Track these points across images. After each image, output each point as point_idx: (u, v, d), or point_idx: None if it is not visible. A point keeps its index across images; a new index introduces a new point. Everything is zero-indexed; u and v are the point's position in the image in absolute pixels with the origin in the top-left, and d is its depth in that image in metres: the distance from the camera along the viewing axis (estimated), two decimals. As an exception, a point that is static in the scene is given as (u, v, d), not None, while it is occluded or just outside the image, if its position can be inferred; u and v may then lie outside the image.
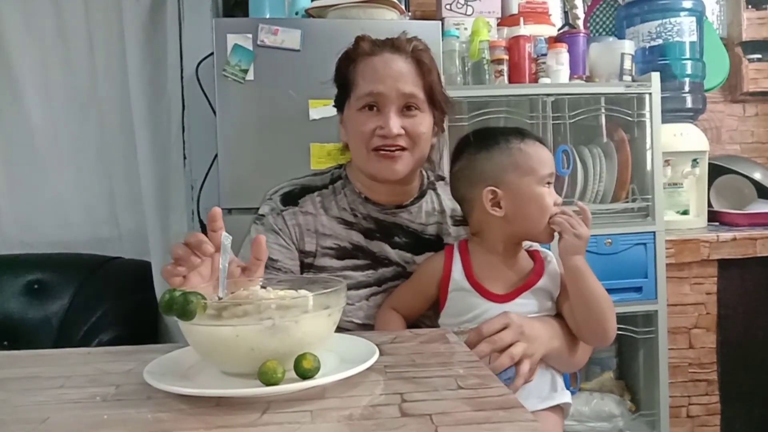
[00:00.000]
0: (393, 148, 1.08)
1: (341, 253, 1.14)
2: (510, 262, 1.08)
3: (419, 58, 1.11)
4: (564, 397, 1.05)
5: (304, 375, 0.67)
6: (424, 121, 1.11)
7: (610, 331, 1.03)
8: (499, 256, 1.07)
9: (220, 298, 0.75)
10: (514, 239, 1.08)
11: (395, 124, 1.07)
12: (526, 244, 1.12)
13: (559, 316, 1.08)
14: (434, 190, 1.23)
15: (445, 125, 1.89)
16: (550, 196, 1.04)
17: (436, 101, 1.14)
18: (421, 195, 1.20)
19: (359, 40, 1.13)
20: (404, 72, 1.09)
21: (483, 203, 1.04)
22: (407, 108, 1.09)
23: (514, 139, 1.06)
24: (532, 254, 1.11)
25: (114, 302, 2.00)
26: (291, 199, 1.16)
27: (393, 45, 1.11)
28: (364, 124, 1.09)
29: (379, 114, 1.09)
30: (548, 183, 1.05)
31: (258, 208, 1.20)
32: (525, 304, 1.04)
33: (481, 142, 1.08)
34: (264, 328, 0.67)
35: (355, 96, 1.11)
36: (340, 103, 1.17)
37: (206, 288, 0.79)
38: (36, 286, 2.03)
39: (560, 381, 1.07)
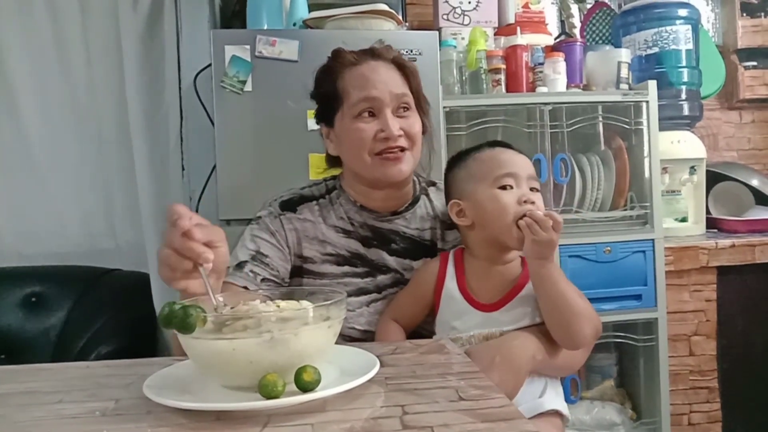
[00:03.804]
0: (395, 150, 1.10)
1: (341, 260, 1.15)
2: (500, 270, 1.09)
3: (401, 63, 1.15)
4: (551, 404, 1.03)
5: (304, 388, 0.66)
6: (417, 121, 1.15)
7: (577, 336, 1.01)
8: (487, 264, 1.09)
9: (218, 312, 0.75)
10: (492, 246, 1.08)
11: (395, 125, 1.10)
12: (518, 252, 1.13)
13: None
14: (426, 195, 1.24)
15: (443, 134, 1.90)
16: (509, 195, 1.04)
17: (422, 104, 1.18)
18: (415, 201, 1.21)
19: (340, 52, 1.15)
20: (392, 76, 1.12)
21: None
22: (401, 109, 1.12)
23: (474, 152, 1.12)
24: (524, 261, 1.11)
25: (112, 315, 2.00)
26: (290, 205, 1.18)
27: (374, 53, 1.14)
28: (364, 131, 1.10)
29: (376, 119, 1.11)
30: (507, 185, 1.05)
31: (256, 218, 1.20)
32: (511, 312, 1.05)
33: (451, 163, 1.17)
34: (262, 341, 0.67)
35: (348, 105, 1.12)
36: (326, 117, 1.18)
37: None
38: (34, 299, 2.02)
39: (551, 388, 1.06)
